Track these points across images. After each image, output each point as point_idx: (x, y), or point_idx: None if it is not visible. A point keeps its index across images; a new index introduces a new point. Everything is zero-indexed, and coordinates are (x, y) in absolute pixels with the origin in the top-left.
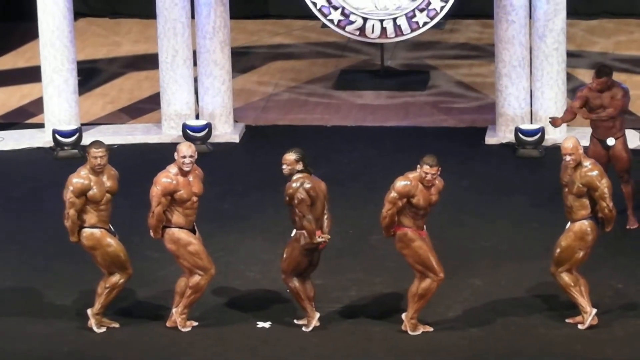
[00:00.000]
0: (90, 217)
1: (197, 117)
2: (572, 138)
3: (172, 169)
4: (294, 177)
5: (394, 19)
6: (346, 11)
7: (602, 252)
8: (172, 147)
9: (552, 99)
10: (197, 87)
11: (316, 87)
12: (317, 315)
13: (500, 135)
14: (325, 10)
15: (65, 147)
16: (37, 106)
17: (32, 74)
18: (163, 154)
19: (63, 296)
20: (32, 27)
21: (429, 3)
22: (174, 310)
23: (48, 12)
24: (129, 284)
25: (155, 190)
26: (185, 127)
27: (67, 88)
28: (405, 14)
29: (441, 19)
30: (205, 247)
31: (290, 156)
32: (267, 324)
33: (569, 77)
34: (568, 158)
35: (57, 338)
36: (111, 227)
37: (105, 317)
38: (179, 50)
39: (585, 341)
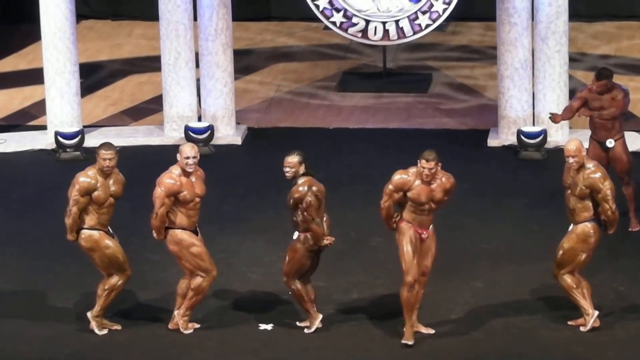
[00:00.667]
0: (91, 218)
1: (199, 119)
2: (576, 140)
3: (175, 170)
4: (300, 181)
5: (397, 21)
6: (348, 13)
7: (604, 255)
8: (174, 149)
9: (554, 101)
10: (199, 89)
11: (318, 89)
12: (320, 316)
13: (503, 137)
14: (328, 13)
15: (68, 149)
16: (39, 108)
17: (34, 76)
18: (165, 156)
19: (64, 298)
20: (34, 29)
21: (432, 5)
22: (175, 312)
23: (50, 14)
24: (130, 286)
25: (159, 192)
26: (187, 129)
27: (69, 90)
28: (408, 16)
29: (443, 21)
30: (207, 248)
31: (293, 159)
32: (269, 326)
33: (571, 80)
34: (571, 160)
35: (58, 340)
36: (109, 229)
37: (106, 319)
38: (181, 52)
39: (586, 343)
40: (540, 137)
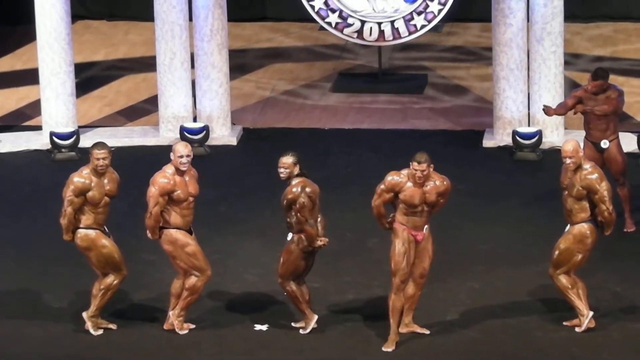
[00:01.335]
0: (87, 218)
1: (194, 119)
2: (573, 141)
3: (169, 169)
4: (294, 182)
5: (392, 22)
6: (344, 14)
7: (600, 255)
8: (169, 149)
9: (550, 102)
10: (194, 90)
11: (314, 89)
12: (315, 317)
13: (498, 138)
14: (323, 13)
15: (63, 150)
16: (34, 108)
17: (29, 77)
18: (160, 156)
19: (60, 299)
20: (29, 30)
21: (427, 6)
22: (170, 313)
23: (46, 14)
24: (125, 286)
25: (153, 191)
26: (182, 129)
27: (65, 90)
28: (403, 17)
29: (439, 22)
30: (202, 249)
31: (288, 159)
32: (264, 327)
33: (566, 80)
34: (568, 161)
35: (54, 341)
36: (105, 228)
37: (102, 319)
38: (176, 52)
39: (582, 344)
40: (536, 138)
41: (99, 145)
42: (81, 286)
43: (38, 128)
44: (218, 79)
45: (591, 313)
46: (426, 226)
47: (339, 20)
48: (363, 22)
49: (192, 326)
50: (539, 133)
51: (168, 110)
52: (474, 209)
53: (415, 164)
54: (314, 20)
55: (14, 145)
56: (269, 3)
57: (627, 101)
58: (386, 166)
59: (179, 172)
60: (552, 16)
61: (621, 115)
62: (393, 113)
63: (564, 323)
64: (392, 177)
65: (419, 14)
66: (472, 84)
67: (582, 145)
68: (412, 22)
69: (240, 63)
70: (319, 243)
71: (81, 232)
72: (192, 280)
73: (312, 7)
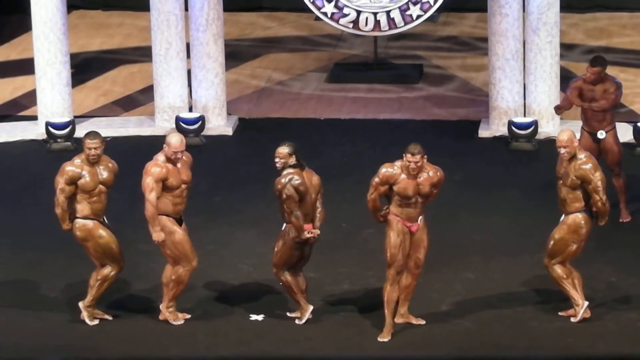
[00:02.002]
0: (83, 207)
1: (190, 109)
2: (568, 130)
3: (160, 157)
4: (284, 173)
5: (388, 12)
6: (340, 4)
7: (595, 246)
8: (165, 139)
9: (546, 92)
10: (190, 80)
11: (309, 79)
12: (311, 308)
13: (494, 128)
14: (319, 3)
15: (59, 140)
16: (30, 98)
17: (25, 66)
18: (156, 146)
19: (55, 289)
20: (25, 20)
21: None
22: (161, 305)
23: (41, 4)
24: (122, 276)
25: (147, 180)
26: (178, 119)
27: (60, 80)
28: (399, 7)
29: (435, 12)
30: (197, 239)
31: (284, 150)
32: (259, 317)
33: (562, 70)
34: (562, 150)
35: (49, 331)
36: (105, 219)
37: (98, 309)
38: (172, 42)
39: (577, 334)
40: (531, 128)
41: (91, 134)
42: (76, 276)
43: (34, 118)
44: (214, 69)
45: (586, 303)
46: (421, 217)
47: (335, 10)
48: (359, 12)
49: (188, 316)
50: (535, 123)
51: (164, 100)
52: (469, 200)
53: (409, 155)
54: (309, 10)
55: (9, 135)
56: None
57: (624, 91)
58: (382, 156)
59: (171, 160)
60: (547, 6)
61: (618, 106)
62: (388, 103)
63: (560, 313)
64: (385, 170)
65: (415, 3)
66: (468, 74)
67: (578, 135)
68: (408, 12)
69: (236, 53)
70: (307, 235)
71: (79, 222)
72: (179, 270)
73: None
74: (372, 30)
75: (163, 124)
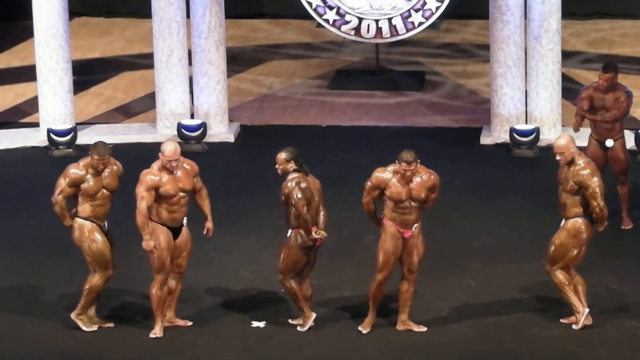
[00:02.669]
0: (85, 209)
1: (192, 116)
2: (565, 136)
3: (156, 164)
4: (289, 177)
5: (390, 19)
6: (341, 11)
7: (597, 253)
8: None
9: (547, 99)
10: (192, 87)
11: (311, 86)
12: (314, 315)
13: (495, 135)
14: (321, 10)
15: (60, 147)
16: (31, 105)
17: (27, 73)
18: (158, 153)
19: (56, 296)
20: (27, 26)
21: (425, 3)
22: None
23: (43, 11)
24: (122, 283)
25: (139, 188)
26: (180, 126)
27: (62, 87)
28: (401, 14)
29: (436, 19)
30: (199, 246)
31: (281, 156)
32: (261, 324)
33: (564, 78)
34: (558, 157)
35: (50, 338)
36: (105, 225)
37: (99, 317)
38: (174, 49)
39: (578, 341)
40: (533, 135)
41: (100, 150)
42: (77, 283)
43: (35, 125)
44: (215, 76)
45: (587, 310)
46: (416, 224)
47: (337, 18)
48: (360, 20)
49: (189, 323)
50: (537, 130)
51: (165, 107)
52: (471, 206)
53: (404, 164)
54: (311, 17)
55: (11, 142)
56: (267, 0)
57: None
58: (383, 163)
59: (167, 169)
60: (549, 13)
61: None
62: (390, 110)
63: (561, 320)
64: (378, 174)
65: (417, 11)
66: (470, 81)
67: (585, 142)
68: (410, 20)
69: (238, 60)
70: (315, 236)
71: (78, 221)
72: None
73: (310, 4)
74: (374, 37)
75: (165, 130)
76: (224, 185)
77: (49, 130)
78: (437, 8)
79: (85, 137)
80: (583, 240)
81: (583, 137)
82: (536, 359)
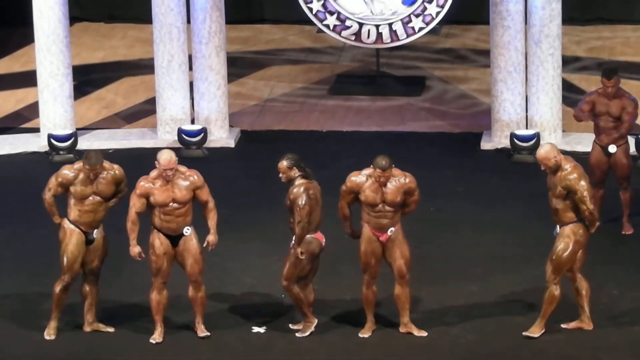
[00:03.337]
0: (73, 212)
1: (192, 121)
2: (545, 146)
3: (153, 172)
4: (296, 183)
5: (390, 25)
6: (342, 16)
7: (598, 258)
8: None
9: (548, 104)
10: (192, 92)
11: (312, 92)
12: (316, 321)
13: (496, 140)
14: (321, 16)
15: (61, 152)
16: (32, 110)
17: (27, 79)
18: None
19: None
20: (27, 32)
21: (425, 8)
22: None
23: (44, 16)
24: (123, 289)
25: (132, 194)
26: (180, 131)
27: (63, 92)
28: (401, 19)
29: (437, 24)
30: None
31: (283, 164)
32: (262, 329)
33: (564, 83)
34: (542, 167)
35: (52, 343)
36: (93, 233)
37: (98, 321)
38: (174, 55)
39: (580, 347)
40: (534, 140)
41: (92, 160)
42: (78, 289)
43: (36, 130)
44: (216, 81)
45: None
46: (392, 228)
47: (337, 23)
48: (361, 25)
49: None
50: (537, 135)
51: (166, 113)
52: (471, 212)
53: (378, 170)
54: (312, 23)
55: (12, 147)
56: (267, 5)
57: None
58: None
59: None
60: (550, 19)
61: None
62: (391, 115)
63: (562, 326)
64: (352, 178)
65: (417, 16)
66: (470, 87)
67: (587, 147)
68: (410, 25)
69: (238, 65)
70: (300, 255)
71: (65, 222)
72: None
73: (310, 9)
74: (375, 42)
75: (165, 136)
76: (224, 190)
77: (50, 136)
78: (438, 13)
79: (86, 143)
80: (583, 242)
81: (585, 142)
82: None
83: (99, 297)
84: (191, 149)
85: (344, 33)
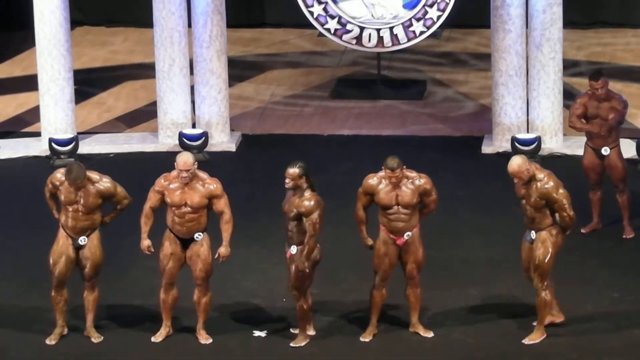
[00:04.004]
0: (62, 215)
1: (193, 125)
2: (516, 158)
3: (174, 172)
4: (307, 194)
5: (391, 28)
6: (343, 20)
7: (598, 262)
8: (168, 156)
9: (549, 108)
10: (193, 96)
11: (312, 96)
12: (309, 337)
13: (497, 144)
14: (322, 19)
15: (62, 156)
16: (33, 115)
17: (28, 83)
18: (160, 162)
19: None
20: (28, 36)
21: (426, 12)
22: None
23: (45, 21)
24: (124, 292)
25: (151, 189)
26: (181, 135)
27: (64, 97)
28: (402, 23)
29: (438, 28)
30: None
31: (295, 171)
32: (263, 333)
33: (565, 87)
34: (516, 180)
35: (53, 348)
36: (80, 241)
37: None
38: (175, 59)
39: (580, 350)
40: (534, 145)
41: (71, 176)
42: (80, 294)
43: (37, 134)
44: (217, 85)
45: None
46: (409, 232)
47: (338, 27)
48: (362, 29)
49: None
50: (538, 139)
51: (167, 117)
52: (472, 215)
53: (388, 171)
54: (313, 27)
55: (13, 151)
56: (268, 9)
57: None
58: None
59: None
60: (551, 22)
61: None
62: (392, 119)
63: (533, 323)
64: (368, 180)
65: (418, 20)
66: (471, 90)
67: (578, 151)
68: (411, 29)
69: (239, 69)
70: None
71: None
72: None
73: (311, 13)
74: (375, 46)
75: (166, 140)
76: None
77: (51, 140)
78: (439, 17)
79: (87, 147)
80: (560, 244)
81: (577, 144)
82: None
83: (100, 301)
84: (192, 153)
85: (345, 37)
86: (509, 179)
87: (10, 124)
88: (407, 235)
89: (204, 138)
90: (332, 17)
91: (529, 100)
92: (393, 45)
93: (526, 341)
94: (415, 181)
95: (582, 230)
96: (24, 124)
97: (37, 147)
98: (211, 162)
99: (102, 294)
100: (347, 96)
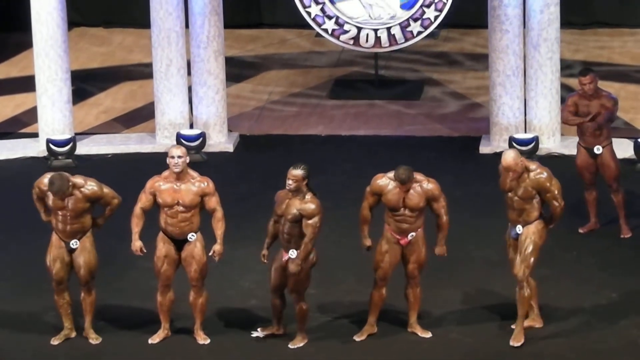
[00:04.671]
0: (52, 219)
1: (191, 126)
2: (509, 152)
3: (166, 171)
4: (308, 198)
5: (388, 29)
6: (340, 20)
7: (596, 261)
8: (166, 156)
9: (546, 108)
10: (191, 97)
11: (310, 96)
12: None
13: (494, 144)
14: (320, 20)
15: (59, 157)
16: (31, 115)
17: (26, 84)
18: (157, 163)
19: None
20: (26, 37)
21: (423, 12)
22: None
23: (42, 22)
24: (121, 294)
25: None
26: (179, 136)
27: (61, 97)
28: (400, 24)
29: (435, 28)
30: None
31: (298, 173)
32: (261, 333)
33: (563, 87)
34: (511, 174)
35: (51, 349)
36: (72, 244)
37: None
38: (173, 59)
39: (579, 350)
40: (532, 145)
41: (53, 188)
42: (77, 295)
43: (34, 135)
44: (214, 86)
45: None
46: (413, 233)
47: (335, 27)
48: (359, 29)
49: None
50: (536, 139)
51: (164, 117)
52: (470, 215)
53: (398, 183)
54: (310, 27)
55: (10, 152)
56: (265, 10)
57: (623, 107)
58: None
59: (175, 177)
60: (548, 22)
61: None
62: (389, 119)
63: (512, 326)
64: (377, 180)
65: (416, 20)
66: (469, 91)
67: (575, 151)
68: (409, 29)
69: (237, 70)
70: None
71: None
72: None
73: (309, 13)
74: (373, 46)
75: (164, 141)
76: (222, 195)
77: (48, 141)
78: (436, 17)
79: (85, 148)
80: (545, 237)
81: (574, 144)
82: None
83: (98, 303)
84: (190, 153)
85: (342, 37)
86: None
87: (8, 124)
88: (411, 235)
89: (201, 139)
90: (330, 18)
91: (526, 101)
92: (390, 45)
93: (514, 343)
94: (423, 185)
95: (580, 230)
96: (21, 125)
97: (34, 148)
98: (209, 163)
99: (100, 295)
100: (345, 96)
